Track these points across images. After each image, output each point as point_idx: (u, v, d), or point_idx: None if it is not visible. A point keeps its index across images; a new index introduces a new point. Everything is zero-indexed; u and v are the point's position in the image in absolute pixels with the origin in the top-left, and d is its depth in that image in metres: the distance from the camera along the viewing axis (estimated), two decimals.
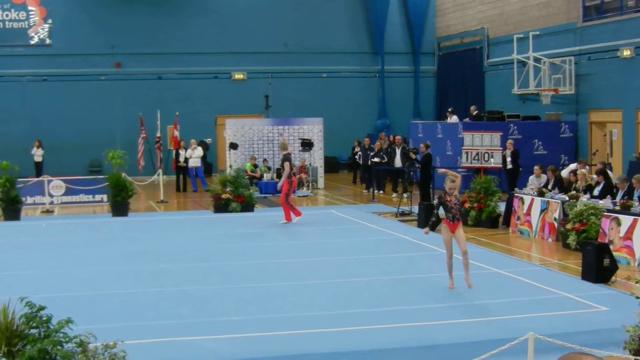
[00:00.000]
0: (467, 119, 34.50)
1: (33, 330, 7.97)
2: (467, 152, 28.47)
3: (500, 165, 28.33)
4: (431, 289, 14.71)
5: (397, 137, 33.06)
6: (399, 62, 46.10)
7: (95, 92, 42.23)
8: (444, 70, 46.04)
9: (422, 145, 29.52)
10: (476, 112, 34.82)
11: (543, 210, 21.01)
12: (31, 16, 42.00)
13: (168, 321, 12.52)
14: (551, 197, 21.13)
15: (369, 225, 22.59)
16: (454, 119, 35.07)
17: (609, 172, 22.99)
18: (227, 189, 26.98)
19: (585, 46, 32.79)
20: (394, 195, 31.56)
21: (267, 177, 33.89)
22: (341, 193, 33.51)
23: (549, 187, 22.82)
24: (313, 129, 35.62)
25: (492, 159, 28.10)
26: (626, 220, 17.69)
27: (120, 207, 26.65)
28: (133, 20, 42.58)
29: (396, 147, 32.16)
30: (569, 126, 33.16)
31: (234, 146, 34.46)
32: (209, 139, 39.74)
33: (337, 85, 45.14)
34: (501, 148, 28.36)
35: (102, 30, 42.31)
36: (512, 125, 32.47)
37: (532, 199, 21.62)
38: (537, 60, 34.77)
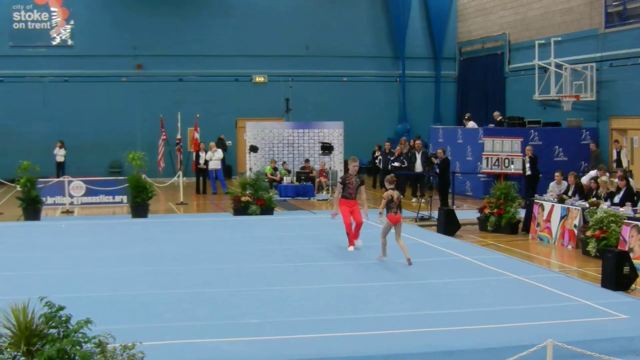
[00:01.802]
0: (491, 125, 34.36)
1: (52, 330, 7.99)
2: (487, 158, 28.42)
3: (521, 172, 28.26)
4: (449, 295, 14.67)
5: (417, 142, 32.96)
6: (420, 67, 46.05)
7: (117, 94, 42.38)
8: (465, 76, 45.94)
9: (439, 150, 29.51)
10: (500, 117, 34.70)
11: (563, 217, 20.94)
12: (53, 17, 42.17)
13: (186, 323, 12.54)
14: (571, 204, 21.05)
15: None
16: (471, 124, 34.95)
17: (630, 179, 22.91)
18: (247, 192, 27.01)
19: (607, 52, 32.68)
20: (414, 200, 31.54)
21: (286, 180, 33.89)
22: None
23: (570, 193, 22.74)
24: (333, 132, 35.61)
25: (512, 165, 28.02)
26: None
27: (140, 209, 26.71)
28: (155, 22, 42.70)
29: (416, 152, 32.07)
30: (589, 133, 33.03)
31: (254, 149, 34.51)
32: (229, 142, 39.80)
33: (357, 89, 45.13)
34: (521, 154, 28.28)
35: (123, 31, 42.45)
36: (532, 131, 32.34)
37: (552, 206, 21.55)
38: (558, 66, 34.66)
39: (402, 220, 17.95)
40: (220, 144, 38.49)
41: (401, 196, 17.58)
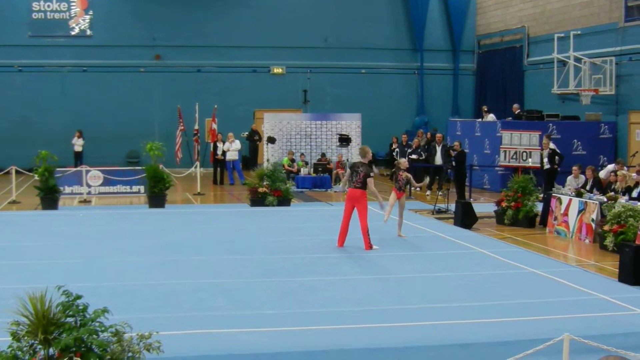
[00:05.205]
0: (509, 118, 34.23)
1: (69, 319, 8.03)
2: (505, 151, 28.33)
3: (539, 165, 28.17)
4: (467, 287, 14.65)
5: (438, 135, 32.94)
6: (438, 60, 45.96)
7: (135, 84, 42.47)
8: (483, 69, 45.83)
9: (456, 143, 29.47)
10: (518, 110, 34.57)
11: (581, 211, 20.87)
12: (72, 7, 42.25)
13: (203, 313, 12.57)
14: (589, 198, 20.98)
15: (405, 222, 22.50)
16: (490, 117, 34.87)
17: None
18: (264, 183, 27.03)
19: (627, 46, 32.55)
20: (428, 192, 31.47)
21: (304, 171, 33.89)
22: (378, 189, 33.29)
23: (588, 187, 22.67)
24: (351, 124, 35.57)
25: (530, 159, 27.93)
26: None
27: (157, 199, 26.76)
28: (173, 13, 42.76)
29: (436, 145, 32.05)
30: (608, 127, 32.89)
31: (271, 140, 34.52)
32: (245, 133, 39.75)
33: (376, 81, 45.09)
34: (540, 147, 28.19)
35: (142, 22, 42.53)
36: (551, 124, 32.23)
37: (570, 200, 21.47)
38: (577, 59, 34.56)
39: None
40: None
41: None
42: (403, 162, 21.43)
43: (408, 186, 21.12)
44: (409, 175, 21.04)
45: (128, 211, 26.44)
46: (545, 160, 28.38)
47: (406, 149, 33.36)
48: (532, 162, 27.86)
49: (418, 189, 28.23)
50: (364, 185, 18.65)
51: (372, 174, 18.97)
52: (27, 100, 41.42)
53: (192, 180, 32.99)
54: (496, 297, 13.93)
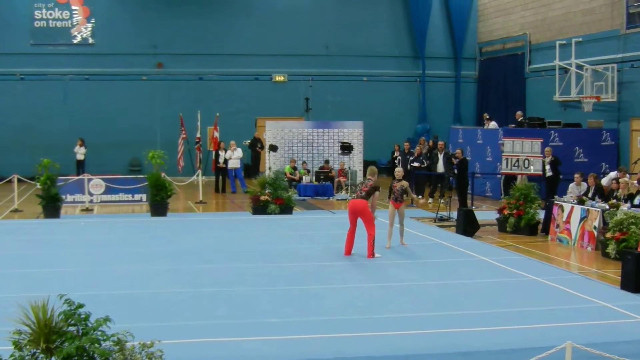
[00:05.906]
0: (511, 125, 34.19)
1: (71, 328, 8.02)
2: (507, 159, 28.27)
3: (541, 173, 28.12)
4: (469, 296, 14.64)
5: (440, 143, 32.89)
6: (440, 67, 45.97)
7: (137, 92, 42.50)
8: (485, 76, 45.81)
9: (458, 150, 29.45)
10: (521, 118, 34.49)
11: (583, 219, 20.84)
12: (74, 15, 42.31)
13: (205, 321, 12.56)
14: (591, 206, 20.95)
15: (407, 230, 22.44)
16: (492, 124, 34.86)
17: None
18: (266, 191, 27.02)
19: (629, 53, 32.52)
20: (430, 201, 31.39)
21: (306, 179, 33.88)
22: (380, 197, 33.38)
23: (590, 195, 22.64)
24: (353, 132, 35.56)
25: (532, 166, 27.89)
26: None
27: (159, 207, 26.75)
28: (175, 21, 42.79)
29: (438, 153, 32.01)
30: (610, 134, 32.83)
31: (273, 148, 34.51)
32: (247, 141, 39.69)
33: (377, 88, 45.09)
34: (541, 155, 28.15)
35: (144, 30, 42.58)
36: (552, 132, 32.18)
37: (572, 207, 21.44)
38: (579, 67, 34.50)
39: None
40: (254, 143, 38.41)
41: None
42: (398, 171, 21.34)
43: (406, 195, 20.68)
44: (405, 184, 20.65)
45: (130, 220, 26.44)
46: (547, 167, 28.35)
47: (408, 157, 33.28)
48: (533, 169, 27.80)
49: (419, 196, 28.24)
50: (367, 196, 18.61)
51: (379, 190, 19.08)
52: (29, 109, 41.43)
53: (194, 188, 32.99)
54: (498, 305, 13.92)
